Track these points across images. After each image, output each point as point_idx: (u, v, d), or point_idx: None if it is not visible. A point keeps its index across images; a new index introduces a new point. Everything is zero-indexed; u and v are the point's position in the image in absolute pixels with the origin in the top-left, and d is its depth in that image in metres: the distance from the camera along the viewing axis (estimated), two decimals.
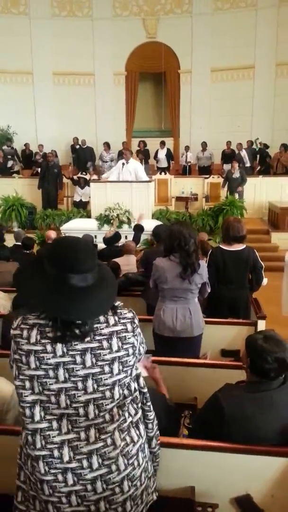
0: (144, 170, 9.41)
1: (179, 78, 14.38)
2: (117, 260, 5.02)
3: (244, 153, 11.89)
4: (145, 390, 1.62)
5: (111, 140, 13.20)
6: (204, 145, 12.84)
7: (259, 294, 4.13)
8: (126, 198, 8.73)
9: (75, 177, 11.19)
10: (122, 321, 1.48)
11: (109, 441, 1.43)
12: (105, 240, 6.30)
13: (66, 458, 1.41)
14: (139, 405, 1.58)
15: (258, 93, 13.71)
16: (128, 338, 1.47)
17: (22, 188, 11.05)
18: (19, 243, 6.12)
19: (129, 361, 1.47)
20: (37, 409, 1.41)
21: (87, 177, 10.88)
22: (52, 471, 1.41)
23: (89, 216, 9.30)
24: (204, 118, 14.12)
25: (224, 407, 1.90)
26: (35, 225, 9.75)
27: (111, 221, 8.54)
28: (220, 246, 3.94)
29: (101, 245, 6.71)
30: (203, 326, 3.29)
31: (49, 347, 1.39)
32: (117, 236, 6.30)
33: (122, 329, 1.46)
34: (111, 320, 1.46)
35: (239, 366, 2.52)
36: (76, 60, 13.92)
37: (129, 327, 1.48)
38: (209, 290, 3.36)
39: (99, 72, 14.29)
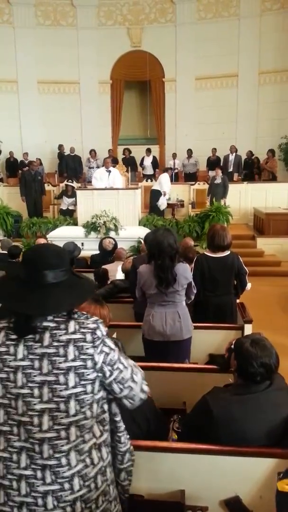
0: (120, 181, 9.42)
1: (164, 86, 14.52)
2: (107, 266, 5.07)
3: (232, 158, 12.04)
4: (118, 418, 1.61)
5: (97, 148, 13.24)
6: (189, 152, 12.98)
7: (245, 299, 4.18)
8: (113, 205, 8.76)
9: (61, 185, 11.15)
10: (82, 330, 1.45)
11: (63, 460, 1.41)
12: (103, 250, 6.31)
13: (23, 464, 1.42)
14: (106, 427, 1.55)
15: (241, 100, 13.90)
16: (86, 349, 1.43)
17: (7, 196, 11.00)
18: (5, 252, 6.09)
19: (87, 374, 1.43)
20: (1, 412, 1.43)
21: (75, 185, 10.87)
22: (9, 476, 1.43)
23: (75, 224, 9.29)
24: (189, 126, 14.24)
25: (212, 409, 1.93)
26: (21, 234, 9.70)
27: (98, 229, 8.56)
28: (205, 253, 3.99)
29: (87, 252, 6.73)
30: (192, 329, 3.32)
31: (11, 349, 1.42)
32: (115, 248, 6.31)
33: (80, 338, 1.44)
34: (71, 328, 1.44)
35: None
36: (61, 69, 13.94)
37: (88, 337, 1.45)
38: (195, 291, 3.40)
39: (84, 80, 14.33)
